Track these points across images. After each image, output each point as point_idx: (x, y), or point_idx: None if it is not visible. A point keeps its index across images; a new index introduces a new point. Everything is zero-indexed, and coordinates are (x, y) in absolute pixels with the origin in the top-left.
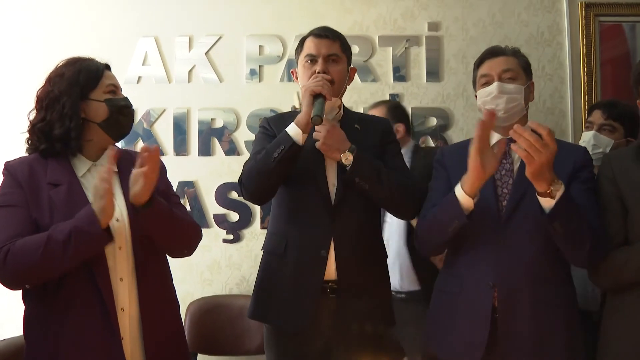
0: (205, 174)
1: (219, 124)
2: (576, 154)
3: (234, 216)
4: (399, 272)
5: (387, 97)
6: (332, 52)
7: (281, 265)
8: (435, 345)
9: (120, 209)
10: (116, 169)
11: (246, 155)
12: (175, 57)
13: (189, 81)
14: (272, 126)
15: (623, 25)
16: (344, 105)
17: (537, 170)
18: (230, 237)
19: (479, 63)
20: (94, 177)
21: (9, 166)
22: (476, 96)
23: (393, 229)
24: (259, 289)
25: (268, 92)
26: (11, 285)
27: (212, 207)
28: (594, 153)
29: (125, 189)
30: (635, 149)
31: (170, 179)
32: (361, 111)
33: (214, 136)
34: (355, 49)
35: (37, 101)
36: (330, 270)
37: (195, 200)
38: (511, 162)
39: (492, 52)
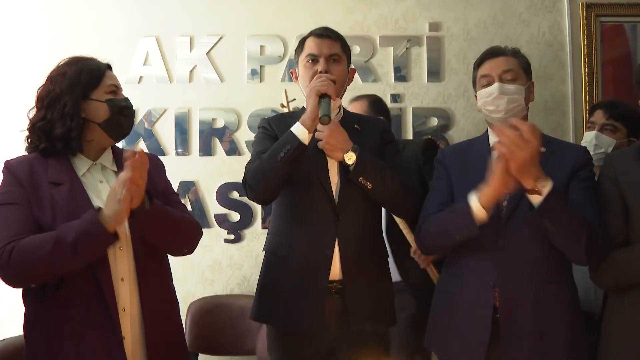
0: (207, 174)
1: (220, 124)
2: (576, 154)
3: (235, 216)
4: None
5: (389, 98)
6: (334, 52)
7: (284, 266)
8: (436, 346)
9: None
10: (116, 169)
11: (247, 155)
12: (177, 57)
13: (190, 81)
14: (272, 126)
15: (624, 25)
16: (342, 106)
17: (520, 167)
18: (232, 237)
19: (479, 63)
20: (94, 176)
21: (9, 165)
22: (476, 97)
23: None
24: (261, 290)
25: (269, 92)
26: (14, 283)
27: (213, 207)
28: (595, 153)
29: None
30: (636, 149)
31: (171, 179)
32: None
33: (215, 136)
34: (356, 49)
35: (37, 100)
36: (335, 270)
37: (196, 200)
38: None
39: (492, 53)
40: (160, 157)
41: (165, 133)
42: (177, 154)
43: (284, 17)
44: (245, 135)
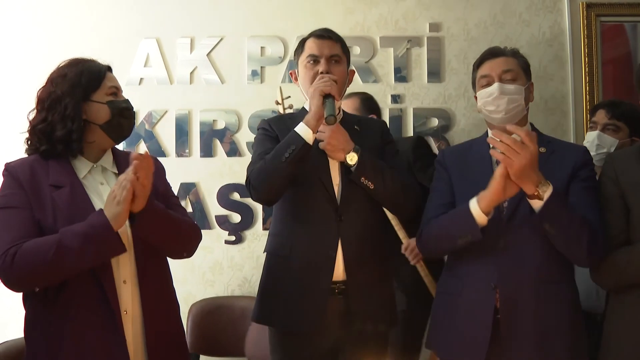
0: (207, 175)
1: (220, 125)
2: (576, 154)
3: (236, 217)
4: None
5: (389, 98)
6: (335, 53)
7: (287, 267)
8: (436, 346)
9: None
10: (116, 171)
11: (248, 156)
12: (177, 58)
13: (190, 82)
14: (273, 127)
15: (624, 25)
16: (342, 107)
17: (519, 173)
18: (232, 238)
19: (478, 64)
20: (95, 178)
21: (9, 167)
22: (476, 97)
23: None
24: (263, 291)
25: (270, 93)
26: (17, 287)
27: (214, 209)
28: (598, 153)
29: None
30: (637, 149)
31: (172, 181)
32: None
33: (215, 137)
34: (356, 50)
35: (38, 101)
36: (338, 271)
37: (197, 201)
38: None
39: (492, 53)
40: (161, 159)
41: (166, 134)
42: (178, 155)
43: (284, 18)
44: (246, 137)
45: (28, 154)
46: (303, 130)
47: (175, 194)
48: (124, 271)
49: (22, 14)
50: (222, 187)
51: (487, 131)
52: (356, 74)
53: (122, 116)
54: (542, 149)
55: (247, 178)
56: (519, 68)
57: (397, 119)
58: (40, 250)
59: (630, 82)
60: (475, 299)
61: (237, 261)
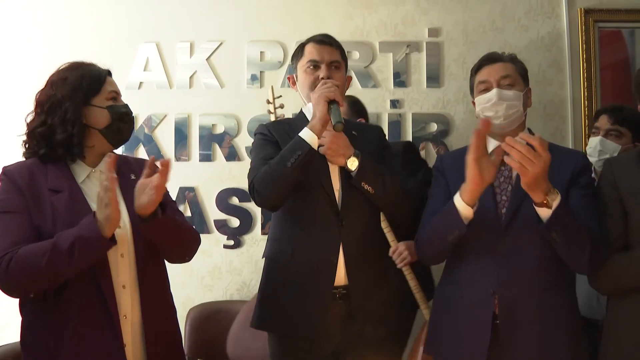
0: (206, 180)
1: (220, 129)
2: (575, 160)
3: (235, 222)
4: None
5: (388, 103)
6: (335, 59)
7: (287, 273)
8: (436, 351)
9: (122, 216)
10: (115, 175)
11: (247, 160)
12: (177, 62)
13: (190, 87)
14: (272, 132)
15: (622, 31)
16: None
17: (532, 181)
18: (231, 242)
19: (476, 69)
20: (93, 183)
21: (7, 171)
22: (473, 103)
23: None
24: (263, 297)
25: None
26: (13, 294)
27: (213, 213)
28: (600, 159)
29: (126, 196)
30: (636, 154)
31: (170, 185)
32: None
33: (214, 142)
34: (356, 55)
35: (37, 104)
36: (339, 276)
37: (196, 205)
38: (510, 169)
39: (490, 59)
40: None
41: (165, 138)
42: (177, 159)
43: (284, 23)
44: (245, 141)
45: (26, 157)
46: (308, 135)
47: (174, 198)
48: (123, 276)
49: (22, 15)
50: (221, 191)
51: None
52: (355, 78)
53: (122, 121)
54: None
55: (250, 183)
56: (517, 74)
57: (396, 123)
58: (35, 255)
59: (628, 88)
60: (474, 305)
61: (235, 265)
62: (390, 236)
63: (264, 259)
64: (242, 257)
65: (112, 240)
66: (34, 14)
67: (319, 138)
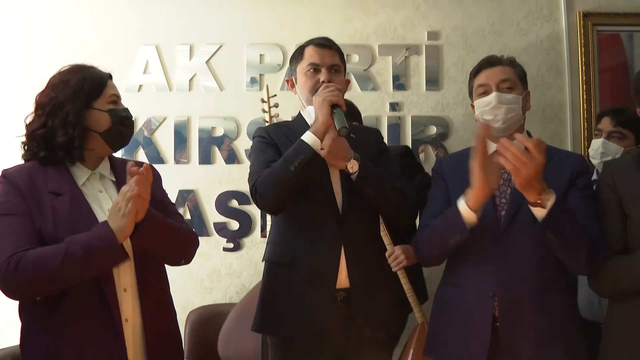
0: (206, 182)
1: (219, 132)
2: (573, 162)
3: (234, 224)
4: None
5: (387, 106)
6: (335, 63)
7: (289, 276)
8: (435, 354)
9: None
10: (114, 179)
11: (246, 163)
12: (176, 65)
13: (189, 89)
14: (271, 135)
15: (621, 34)
16: None
17: (525, 182)
18: (231, 245)
19: (475, 73)
20: (93, 186)
21: (7, 174)
22: (472, 106)
23: None
24: (264, 301)
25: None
26: (18, 295)
27: (212, 215)
28: (602, 161)
29: None
30: (635, 156)
31: (170, 187)
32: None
33: (214, 144)
34: (355, 58)
35: (37, 106)
36: (341, 278)
37: (196, 208)
38: (509, 172)
39: (489, 62)
40: (160, 166)
41: (165, 141)
42: (177, 162)
43: (284, 26)
44: (244, 144)
45: (25, 159)
46: (311, 139)
47: (174, 200)
48: (125, 279)
49: (22, 16)
50: (220, 194)
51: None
52: (355, 81)
53: (122, 125)
54: None
55: (252, 186)
56: (516, 77)
57: (396, 126)
58: (47, 259)
59: (627, 91)
60: (473, 308)
61: (235, 268)
62: (386, 240)
63: (264, 262)
64: (241, 259)
65: (126, 254)
66: (34, 16)
67: (321, 142)
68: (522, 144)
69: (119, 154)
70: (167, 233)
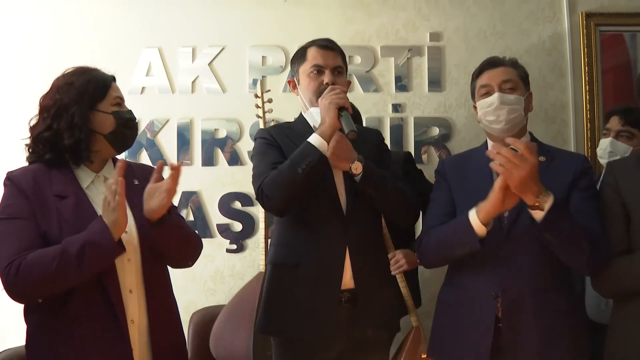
0: (209, 184)
1: (222, 134)
2: (575, 162)
3: (237, 226)
4: None
5: (390, 108)
6: (338, 64)
7: (293, 277)
8: (438, 355)
9: (128, 221)
10: (123, 180)
11: (249, 165)
12: (179, 67)
13: (192, 91)
14: (274, 136)
15: (624, 34)
16: None
17: (519, 184)
18: (234, 246)
19: (477, 74)
20: (97, 188)
21: (12, 177)
22: (474, 107)
23: None
24: (268, 302)
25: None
26: (22, 299)
27: (216, 217)
28: (611, 160)
29: (131, 201)
30: (638, 157)
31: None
32: (364, 122)
33: (217, 146)
34: (357, 59)
35: (42, 109)
36: (346, 279)
37: (199, 210)
38: None
39: (491, 63)
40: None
41: (168, 143)
42: (179, 164)
43: (286, 28)
44: (247, 145)
45: (30, 161)
46: (318, 141)
47: (177, 202)
48: (130, 281)
49: (23, 19)
50: (223, 195)
51: (486, 141)
52: (357, 83)
53: (126, 127)
54: (542, 158)
55: (258, 187)
56: (518, 78)
57: (398, 128)
58: (44, 261)
59: (630, 91)
60: (476, 309)
61: (238, 270)
62: (387, 242)
63: (268, 263)
64: (244, 261)
65: (121, 247)
66: (36, 18)
67: (328, 144)
68: (515, 147)
69: (121, 156)
70: (180, 234)
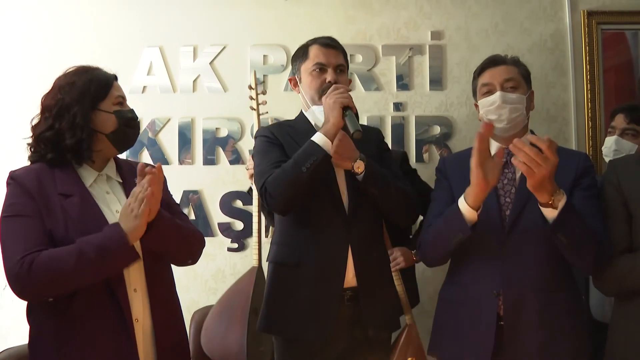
0: (210, 183)
1: (223, 133)
2: (577, 161)
3: (239, 225)
4: None
5: (391, 106)
6: (340, 63)
7: (295, 276)
8: (440, 353)
9: None
10: (120, 180)
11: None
12: (180, 66)
13: (193, 91)
14: (275, 135)
15: (625, 33)
16: None
17: (538, 183)
18: (235, 245)
19: (479, 72)
20: (100, 187)
21: (15, 176)
22: (476, 105)
23: None
24: (269, 301)
25: (272, 101)
26: (31, 296)
27: (217, 216)
28: (612, 159)
29: None
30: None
31: (175, 188)
32: (365, 120)
33: (218, 145)
34: (358, 58)
35: (43, 109)
36: (348, 278)
37: (200, 209)
38: (513, 171)
39: (493, 61)
40: (164, 167)
41: (169, 142)
42: (181, 163)
43: (287, 27)
44: (248, 144)
45: (31, 161)
46: (322, 140)
47: (178, 201)
48: (135, 280)
49: (24, 20)
50: (224, 194)
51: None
52: (358, 82)
53: (128, 126)
54: None
55: (261, 186)
56: (520, 77)
57: (399, 126)
58: (60, 260)
59: (632, 90)
60: (478, 307)
61: (239, 269)
62: (386, 241)
63: (269, 262)
64: (245, 260)
65: (137, 254)
66: (36, 18)
67: (332, 143)
68: (536, 145)
69: (123, 156)
70: (176, 233)
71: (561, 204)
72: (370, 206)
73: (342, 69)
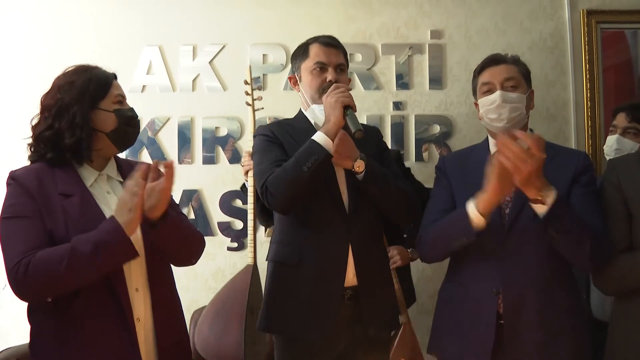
0: (210, 182)
1: (223, 132)
2: (576, 159)
3: (239, 224)
4: None
5: (391, 105)
6: (340, 62)
7: (295, 276)
8: (440, 352)
9: None
10: (121, 179)
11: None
12: (180, 65)
13: (193, 90)
14: (275, 133)
15: (625, 32)
16: None
17: (525, 179)
18: (235, 245)
19: (479, 71)
20: (101, 187)
21: (16, 176)
22: (476, 104)
23: None
24: (270, 301)
25: (272, 100)
26: (30, 298)
27: (217, 215)
28: (612, 158)
29: None
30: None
31: (174, 187)
32: (365, 119)
33: (218, 144)
34: (358, 57)
35: (43, 108)
36: (348, 277)
37: (200, 208)
38: None
39: (493, 60)
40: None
41: (169, 141)
42: (180, 162)
43: (287, 26)
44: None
45: (31, 161)
46: (323, 140)
47: (178, 200)
48: (136, 279)
49: (24, 20)
50: (224, 193)
51: (487, 138)
52: (358, 81)
53: (128, 125)
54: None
55: (262, 185)
56: (520, 76)
57: (399, 125)
58: (53, 259)
59: (631, 89)
60: (477, 305)
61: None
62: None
63: (268, 261)
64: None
65: (136, 251)
66: (36, 18)
67: (333, 142)
68: (523, 141)
69: (122, 155)
70: (181, 232)
71: (550, 199)
72: (370, 205)
73: (342, 68)
